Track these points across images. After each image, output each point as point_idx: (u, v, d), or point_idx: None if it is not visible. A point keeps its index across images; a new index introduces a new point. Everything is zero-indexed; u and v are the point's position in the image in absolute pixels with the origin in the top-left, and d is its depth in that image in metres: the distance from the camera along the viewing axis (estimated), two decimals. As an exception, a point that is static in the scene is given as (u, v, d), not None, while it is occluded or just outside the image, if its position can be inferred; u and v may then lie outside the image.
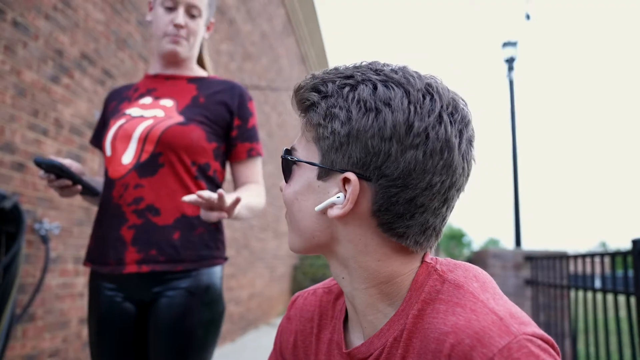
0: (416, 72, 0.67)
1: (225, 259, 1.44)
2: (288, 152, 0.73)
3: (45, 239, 2.78)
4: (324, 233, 0.69)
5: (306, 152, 0.70)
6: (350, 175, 0.64)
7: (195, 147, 1.37)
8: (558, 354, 0.59)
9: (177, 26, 1.42)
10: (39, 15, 2.77)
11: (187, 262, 1.31)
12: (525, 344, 0.56)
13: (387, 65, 0.68)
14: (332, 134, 0.65)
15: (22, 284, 2.56)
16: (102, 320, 1.35)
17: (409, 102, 0.63)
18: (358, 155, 0.63)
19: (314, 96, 0.67)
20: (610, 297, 2.64)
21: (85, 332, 3.36)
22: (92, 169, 3.33)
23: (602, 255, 2.71)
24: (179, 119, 1.39)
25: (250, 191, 1.44)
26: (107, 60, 3.47)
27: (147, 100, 1.47)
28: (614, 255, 2.58)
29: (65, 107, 3.04)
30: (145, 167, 1.35)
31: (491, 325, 0.58)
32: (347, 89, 0.65)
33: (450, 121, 0.64)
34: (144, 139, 1.36)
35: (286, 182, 0.73)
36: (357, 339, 0.74)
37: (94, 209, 3.40)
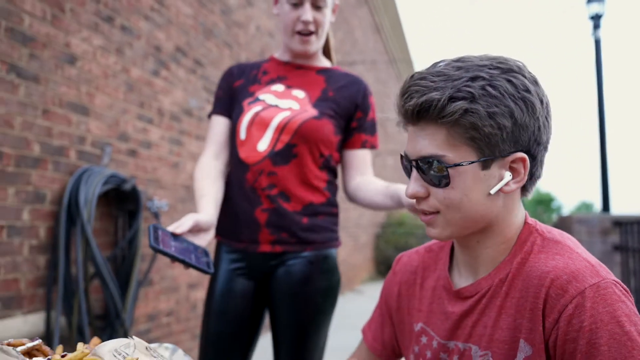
0: (510, 59, 0.81)
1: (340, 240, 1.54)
2: (433, 161, 0.79)
3: (156, 215, 3.18)
4: (489, 213, 0.81)
5: (459, 154, 0.78)
6: (520, 154, 0.78)
7: (326, 140, 1.43)
8: (633, 302, 0.74)
9: (306, 23, 1.41)
10: (139, 17, 3.10)
11: (314, 244, 1.42)
12: (611, 286, 0.72)
13: (491, 58, 0.80)
14: (500, 129, 0.75)
15: (142, 254, 2.98)
16: (222, 292, 1.44)
17: (532, 85, 0.78)
18: (523, 138, 0.78)
19: (463, 104, 0.74)
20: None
21: (193, 296, 3.80)
22: (190, 152, 3.70)
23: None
24: (314, 112, 1.43)
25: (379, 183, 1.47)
26: (197, 51, 3.79)
27: (279, 87, 1.49)
28: None
29: (165, 97, 3.39)
30: (280, 156, 1.41)
31: (584, 268, 0.74)
32: (490, 88, 0.75)
33: (545, 92, 0.81)
34: (281, 130, 1.41)
35: (442, 187, 0.80)
36: (462, 283, 0.88)
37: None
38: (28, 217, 2.30)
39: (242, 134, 1.44)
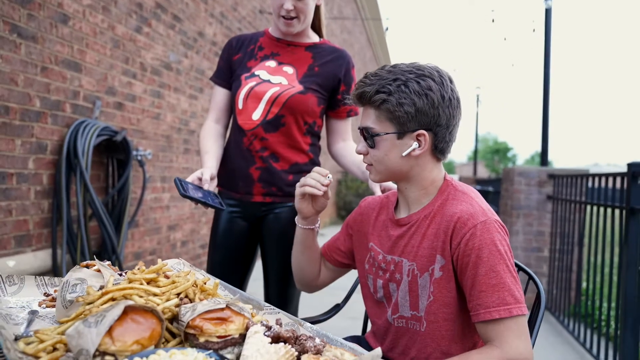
0: (430, 65, 1.19)
1: None
2: (368, 130, 1.17)
3: (142, 163, 3.46)
4: (405, 167, 1.18)
5: (383, 127, 1.15)
6: (422, 131, 1.14)
7: (310, 111, 1.70)
8: (507, 235, 1.15)
9: (287, 10, 1.63)
10: (122, -25, 3.25)
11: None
12: (493, 222, 1.11)
13: (411, 65, 1.18)
14: (406, 113, 1.12)
15: (130, 199, 3.28)
16: (223, 230, 1.77)
17: (437, 84, 1.13)
18: (424, 120, 1.13)
19: (382, 96, 1.12)
20: (610, 211, 3.12)
21: (172, 236, 4.16)
22: (169, 104, 3.94)
23: (607, 175, 3.15)
24: (299, 87, 1.68)
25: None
26: (175, 6, 3.94)
27: (272, 63, 1.73)
28: (612, 175, 3.03)
29: (147, 52, 3.59)
30: (270, 124, 1.68)
31: (479, 211, 1.13)
32: (402, 87, 1.11)
33: (452, 89, 1.17)
34: (272, 103, 1.67)
35: (372, 148, 1.18)
36: (401, 215, 1.26)
37: (175, 136, 4.06)
38: (33, 165, 2.56)
39: (240, 104, 1.70)
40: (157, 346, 0.84)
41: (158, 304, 0.93)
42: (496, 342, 1.05)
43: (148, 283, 1.01)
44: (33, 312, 1.06)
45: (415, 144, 1.16)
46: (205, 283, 1.05)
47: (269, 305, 1.16)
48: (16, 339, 0.89)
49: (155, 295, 0.96)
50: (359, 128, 1.23)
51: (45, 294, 1.17)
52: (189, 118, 4.31)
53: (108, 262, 1.25)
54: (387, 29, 10.27)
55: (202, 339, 0.87)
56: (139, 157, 3.44)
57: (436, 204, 1.21)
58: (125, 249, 3.42)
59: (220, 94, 1.80)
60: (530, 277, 1.46)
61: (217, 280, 1.02)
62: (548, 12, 4.78)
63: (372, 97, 1.14)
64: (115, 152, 3.13)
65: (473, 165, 17.29)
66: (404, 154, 1.17)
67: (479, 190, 6.57)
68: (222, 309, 0.91)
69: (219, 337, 0.88)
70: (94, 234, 3.00)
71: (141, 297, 0.95)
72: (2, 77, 2.35)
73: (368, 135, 1.18)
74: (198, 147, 4.52)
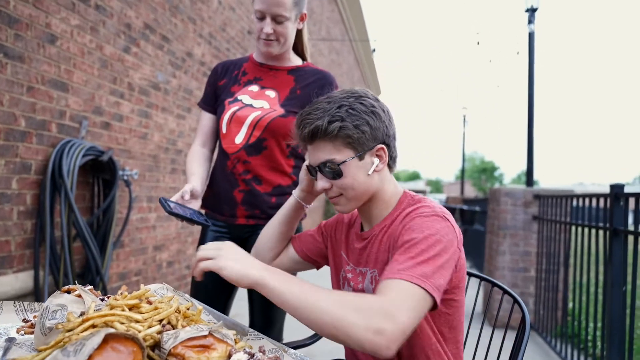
0: (360, 89, 1.22)
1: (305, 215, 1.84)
2: (327, 164, 1.17)
3: (127, 183, 3.44)
4: (372, 185, 1.20)
5: (344, 154, 1.16)
6: (380, 145, 1.18)
7: (291, 134, 1.74)
8: (454, 227, 1.12)
9: (267, 34, 1.67)
10: (111, -4, 3.27)
11: None
12: (437, 213, 1.13)
13: (343, 91, 1.20)
14: (363, 133, 1.15)
15: (115, 219, 3.25)
16: None
17: (374, 101, 1.19)
18: (378, 135, 1.17)
19: (337, 124, 1.13)
20: (594, 232, 3.15)
21: (158, 257, 4.11)
22: (157, 123, 3.94)
23: (590, 195, 3.19)
24: (281, 111, 1.70)
25: None
26: (164, 27, 3.97)
27: (255, 88, 1.77)
28: (596, 196, 3.07)
29: (135, 72, 3.60)
30: (253, 147, 1.71)
31: (424, 208, 1.15)
32: (350, 110, 1.15)
33: (383, 103, 1.22)
34: (254, 126, 1.70)
35: (337, 178, 1.18)
36: (365, 229, 1.30)
37: (162, 156, 4.04)
38: (16, 185, 2.53)
39: (224, 129, 1.74)
40: (137, 375, 0.82)
41: (140, 331, 0.92)
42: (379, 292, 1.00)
43: (130, 309, 0.99)
44: (10, 340, 1.04)
45: (376, 160, 1.19)
46: (188, 309, 1.04)
47: (253, 330, 1.15)
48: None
49: (137, 321, 0.95)
50: (312, 167, 1.23)
51: (24, 320, 1.15)
52: (176, 138, 4.30)
53: (90, 287, 1.23)
54: (374, 50, 10.47)
55: (183, 368, 0.86)
56: (126, 177, 3.42)
57: (394, 214, 1.23)
58: (110, 270, 3.37)
59: (206, 118, 1.84)
60: (515, 301, 1.47)
61: (201, 306, 1.01)
62: (531, 35, 4.89)
63: (327, 129, 1.14)
64: (101, 172, 3.11)
65: (460, 185, 17.41)
66: (369, 172, 1.19)
67: (465, 210, 6.61)
68: (205, 336, 0.90)
69: (202, 365, 0.86)
70: (78, 254, 2.95)
71: (122, 323, 0.94)
72: (-13, 97, 2.33)
73: (331, 169, 1.18)
74: (185, 167, 4.51)
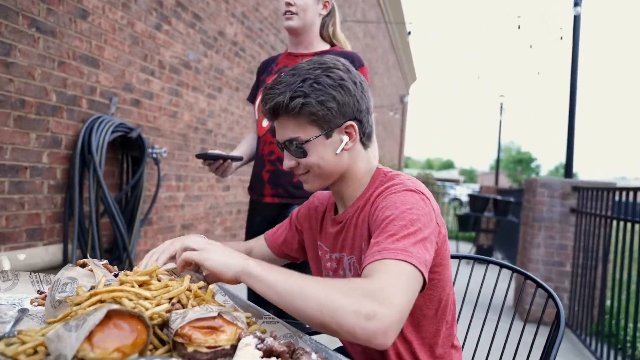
0: (328, 57, 1.11)
1: None
2: (292, 142, 1.08)
3: (156, 161, 3.45)
4: (341, 165, 1.11)
5: (309, 132, 1.07)
6: (349, 122, 1.09)
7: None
8: (429, 200, 1.06)
9: (287, 4, 1.81)
10: (144, -28, 3.24)
11: (302, 198, 1.80)
12: (408, 188, 1.05)
13: (311, 62, 1.09)
14: (329, 110, 1.06)
15: (144, 196, 3.27)
16: (249, 227, 1.96)
17: (345, 73, 1.08)
18: (347, 111, 1.08)
19: (299, 100, 1.04)
20: (637, 227, 2.98)
21: (186, 234, 4.13)
22: (187, 102, 3.93)
23: (635, 189, 3.01)
24: None
25: None
26: (196, 5, 3.93)
27: None
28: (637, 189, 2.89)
29: (166, 50, 3.58)
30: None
31: (398, 184, 1.07)
32: (315, 85, 1.04)
33: (357, 74, 1.12)
34: None
35: (303, 157, 1.10)
36: (339, 212, 1.22)
37: (191, 135, 4.04)
38: (47, 159, 2.56)
39: (256, 114, 1.92)
40: (141, 354, 0.78)
41: (147, 309, 0.88)
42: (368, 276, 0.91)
43: (140, 286, 0.96)
44: (23, 310, 1.03)
45: (345, 138, 1.11)
46: (200, 288, 0.99)
47: (268, 314, 1.11)
48: (-1, 338, 0.85)
49: (146, 299, 0.91)
50: (278, 143, 1.16)
51: (38, 291, 1.14)
52: (206, 117, 4.29)
53: (104, 262, 1.21)
54: (409, 33, 10.21)
55: (190, 349, 0.82)
56: (154, 155, 3.43)
57: (367, 193, 1.15)
58: (138, 247, 3.40)
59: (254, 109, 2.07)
60: (550, 295, 1.37)
61: (212, 286, 0.96)
62: (577, 19, 4.63)
63: (288, 105, 1.05)
64: (130, 148, 3.12)
65: (495, 175, 16.97)
66: (337, 151, 1.11)
67: (499, 200, 6.38)
68: (214, 318, 0.85)
69: (208, 347, 0.82)
70: (106, 230, 2.98)
71: (131, 300, 0.90)
72: (19, 71, 2.34)
73: (295, 146, 1.10)
74: (215, 147, 4.52)
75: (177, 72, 3.76)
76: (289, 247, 1.39)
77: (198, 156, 1.67)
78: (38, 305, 1.07)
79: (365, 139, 1.15)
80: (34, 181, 2.48)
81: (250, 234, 1.94)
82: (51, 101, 2.55)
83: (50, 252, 2.56)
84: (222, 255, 0.97)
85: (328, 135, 1.09)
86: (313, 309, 0.84)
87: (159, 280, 1.01)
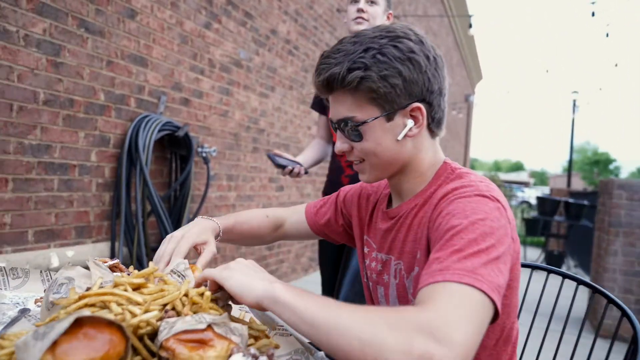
0: (399, 24, 0.96)
1: None
2: (347, 122, 0.95)
3: (206, 160, 3.44)
4: (402, 154, 0.97)
5: (367, 112, 0.93)
6: (416, 104, 0.93)
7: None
8: (505, 210, 0.86)
9: (359, 10, 1.90)
10: (193, -29, 3.24)
11: None
12: (481, 193, 0.86)
13: (377, 29, 0.94)
14: (393, 87, 0.90)
15: (192, 195, 3.27)
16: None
17: (416, 44, 0.92)
18: (415, 90, 0.92)
19: (358, 73, 0.89)
20: None
21: (237, 235, 4.12)
22: (238, 101, 3.90)
23: None
24: None
25: None
26: (247, 3, 3.91)
27: None
28: None
29: (216, 48, 3.57)
30: None
31: (467, 186, 0.89)
32: (379, 56, 0.89)
33: (432, 47, 0.95)
34: None
35: (358, 141, 0.96)
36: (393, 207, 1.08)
37: (243, 134, 4.02)
38: (95, 158, 2.59)
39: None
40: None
41: (136, 315, 0.79)
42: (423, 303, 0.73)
43: (136, 289, 0.87)
44: (23, 311, 0.97)
45: (410, 122, 0.95)
46: (201, 295, 0.88)
47: (283, 325, 0.99)
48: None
49: (138, 304, 0.82)
50: (331, 121, 1.00)
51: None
52: (258, 116, 4.26)
53: (116, 261, 1.14)
54: (470, 25, 9.75)
55: (174, 366, 0.71)
56: (204, 154, 3.42)
57: (429, 190, 0.98)
58: (188, 246, 3.40)
59: (317, 116, 2.26)
60: (625, 314, 1.15)
61: (208, 293, 0.85)
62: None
63: (345, 78, 0.90)
64: (178, 147, 3.12)
65: (567, 177, 15.92)
66: (399, 137, 0.95)
67: (571, 203, 5.90)
68: (203, 330, 0.74)
69: (196, 364, 0.71)
70: (154, 229, 2.99)
71: (121, 305, 0.81)
72: (68, 71, 2.38)
73: (350, 128, 0.96)
74: (269, 146, 4.48)
75: (228, 71, 3.74)
76: (332, 229, 1.26)
77: (268, 156, 1.90)
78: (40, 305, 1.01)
79: (434, 125, 0.98)
80: (82, 179, 2.52)
81: (324, 242, 1.97)
82: (99, 100, 2.58)
83: (98, 250, 2.59)
84: (245, 275, 0.83)
85: (389, 118, 0.94)
86: (352, 346, 0.66)
87: (165, 282, 0.92)
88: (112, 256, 2.68)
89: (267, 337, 0.91)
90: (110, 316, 0.72)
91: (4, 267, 1.08)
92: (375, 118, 0.93)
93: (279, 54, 4.52)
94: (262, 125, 4.35)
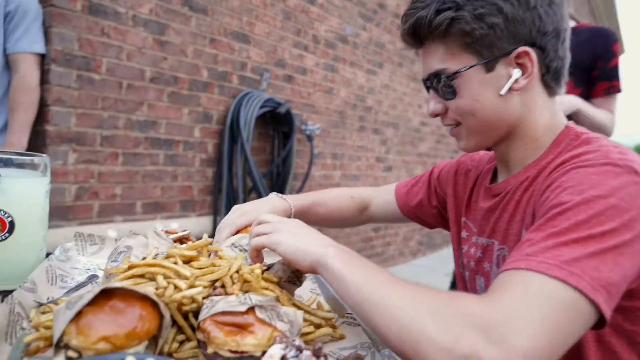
0: None
1: None
2: (438, 75, 0.79)
3: (310, 138, 3.39)
4: (508, 114, 0.79)
5: (460, 61, 0.77)
6: (523, 48, 0.75)
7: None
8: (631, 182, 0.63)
9: None
10: (297, -57, 3.17)
11: None
12: (613, 166, 0.64)
13: None
14: (491, 27, 0.73)
15: (295, 173, 3.25)
16: None
17: None
18: (521, 31, 0.74)
19: (448, 14, 0.74)
20: None
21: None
22: (344, 78, 3.80)
23: None
24: None
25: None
26: (353, -25, 3.76)
27: None
28: None
29: (320, 24, 3.48)
30: None
31: (598, 152, 0.68)
32: None
33: None
34: None
35: (451, 98, 0.80)
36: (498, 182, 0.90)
37: (349, 112, 3.91)
38: (199, 134, 2.66)
39: None
40: (151, 349, 0.62)
41: (181, 290, 0.71)
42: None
43: (188, 262, 0.80)
44: (91, 277, 0.96)
45: (516, 72, 0.76)
46: (257, 271, 0.78)
47: (351, 313, 0.86)
48: (39, 305, 0.78)
49: (187, 278, 0.74)
50: (423, 81, 0.85)
51: (116, 259, 1.08)
52: (365, 94, 4.12)
53: (186, 232, 1.09)
54: None
55: (210, 350, 0.62)
56: (307, 132, 3.37)
57: (545, 160, 0.78)
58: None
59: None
60: None
61: (259, 271, 0.74)
62: None
63: (432, 22, 0.76)
64: (281, 124, 3.11)
65: None
66: (502, 91, 0.77)
67: None
68: (243, 313, 0.64)
69: (231, 351, 0.61)
70: (256, 205, 3.02)
71: (168, 277, 0.74)
72: (173, 49, 2.45)
73: (441, 82, 0.79)
74: (376, 125, 4.33)
75: (333, 47, 3.64)
76: (424, 212, 1.12)
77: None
78: (110, 273, 1.00)
79: (549, 77, 0.79)
80: (186, 155, 2.60)
81: None
82: (202, 77, 2.63)
83: (201, 223, 2.68)
84: (298, 238, 0.74)
85: (489, 67, 0.77)
86: (389, 329, 0.57)
87: (219, 257, 0.84)
88: (215, 231, 2.75)
89: (333, 326, 0.79)
90: (147, 289, 0.65)
91: (82, 233, 1.09)
92: (471, 67, 0.76)
93: (388, 28, 4.32)
94: (370, 103, 4.20)
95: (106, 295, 0.62)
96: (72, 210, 2.09)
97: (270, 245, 0.76)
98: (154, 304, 0.63)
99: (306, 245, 0.71)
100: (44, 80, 1.97)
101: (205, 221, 2.72)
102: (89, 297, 0.60)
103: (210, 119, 2.71)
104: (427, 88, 0.85)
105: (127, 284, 0.73)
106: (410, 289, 0.59)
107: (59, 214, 2.04)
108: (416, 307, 0.55)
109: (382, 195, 1.18)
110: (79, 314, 0.59)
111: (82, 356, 0.57)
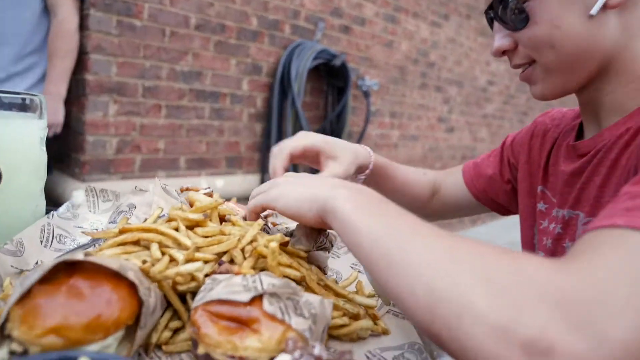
0: None
1: None
2: (505, 1, 0.62)
3: (366, 94, 3.16)
4: (601, 40, 0.60)
5: None
6: None
7: None
8: None
9: None
10: None
11: None
12: None
13: None
14: None
15: (350, 132, 3.04)
16: None
17: None
18: None
19: None
20: None
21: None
22: (405, 30, 3.49)
23: None
24: None
25: None
26: None
27: None
28: None
29: (382, -32, 3.18)
30: None
31: None
32: None
33: None
34: None
35: (523, 27, 0.63)
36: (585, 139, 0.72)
37: (410, 68, 3.63)
38: (247, 87, 2.50)
39: None
40: (127, 344, 0.47)
41: (177, 263, 0.55)
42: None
43: (192, 228, 0.64)
44: (97, 239, 0.83)
45: None
46: (280, 244, 0.60)
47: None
48: (20, 272, 0.65)
49: (187, 249, 0.58)
50: (485, 13, 0.68)
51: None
52: (428, 48, 3.79)
53: (209, 190, 0.93)
54: None
55: (201, 349, 0.46)
56: (364, 88, 3.14)
57: None
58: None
59: None
60: None
61: (274, 244, 0.57)
62: None
63: None
64: (336, 78, 2.89)
65: None
66: (593, 10, 0.58)
67: None
68: (246, 304, 0.47)
69: (227, 355, 0.45)
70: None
71: (166, 246, 0.59)
72: (220, -7, 2.28)
73: (508, 7, 0.62)
74: (439, 83, 4.00)
75: (395, -5, 3.34)
76: (495, 188, 0.92)
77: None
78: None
79: None
80: (233, 109, 2.46)
81: None
82: (252, 26, 2.44)
83: (247, 181, 2.55)
84: (300, 188, 0.57)
85: None
86: (416, 295, 0.38)
87: (232, 223, 0.67)
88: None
89: (375, 316, 0.61)
90: (124, 263, 0.50)
91: (94, 188, 0.96)
92: None
93: (457, -26, 3.92)
94: (433, 59, 3.87)
95: (68, 271, 0.47)
96: (114, 163, 2.02)
97: (269, 202, 0.60)
98: (131, 285, 0.48)
99: (311, 191, 0.55)
100: (83, 26, 1.86)
101: (252, 179, 2.59)
102: (39, 272, 0.45)
103: (260, 71, 2.54)
104: (490, 20, 0.67)
105: (112, 253, 0.58)
106: (451, 241, 0.41)
107: (100, 167, 1.97)
108: (459, 268, 0.37)
109: (450, 176, 0.99)
110: (27, 294, 0.44)
111: (28, 352, 0.43)
